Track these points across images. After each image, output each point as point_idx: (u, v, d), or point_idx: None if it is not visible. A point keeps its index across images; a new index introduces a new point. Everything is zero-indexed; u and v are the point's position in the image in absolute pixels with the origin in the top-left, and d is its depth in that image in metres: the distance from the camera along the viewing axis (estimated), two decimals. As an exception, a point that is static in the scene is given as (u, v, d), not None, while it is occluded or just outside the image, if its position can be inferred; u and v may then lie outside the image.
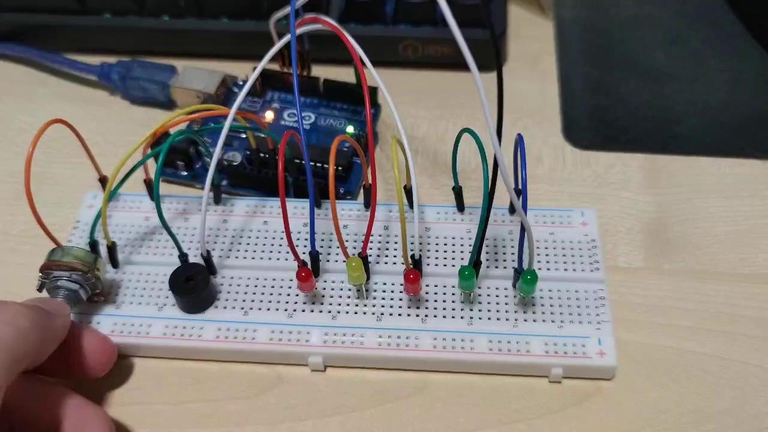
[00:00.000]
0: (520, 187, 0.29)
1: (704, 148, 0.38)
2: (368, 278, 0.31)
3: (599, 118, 0.39)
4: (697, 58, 0.42)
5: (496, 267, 0.32)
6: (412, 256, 0.30)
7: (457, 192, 0.33)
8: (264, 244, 0.33)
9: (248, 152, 0.36)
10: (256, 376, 0.31)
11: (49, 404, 0.26)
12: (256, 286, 0.32)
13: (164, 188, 0.37)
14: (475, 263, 0.29)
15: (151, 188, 0.34)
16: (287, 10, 0.31)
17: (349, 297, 0.31)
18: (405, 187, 0.33)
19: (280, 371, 0.31)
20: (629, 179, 0.36)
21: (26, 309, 0.26)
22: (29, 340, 0.25)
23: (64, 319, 0.28)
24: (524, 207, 0.27)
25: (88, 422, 0.27)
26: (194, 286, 0.31)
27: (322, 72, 0.39)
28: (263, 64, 0.31)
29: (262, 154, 0.35)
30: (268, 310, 0.31)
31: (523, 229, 0.28)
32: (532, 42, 0.43)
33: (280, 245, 0.33)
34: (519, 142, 0.28)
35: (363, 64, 0.30)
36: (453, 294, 0.31)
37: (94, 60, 0.42)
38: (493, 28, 0.24)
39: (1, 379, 0.23)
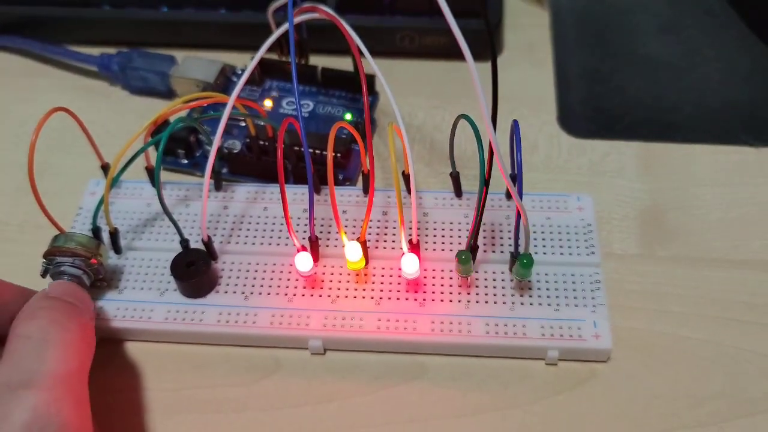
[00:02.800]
0: (516, 172, 0.29)
1: (699, 136, 0.38)
2: (367, 263, 0.32)
3: (595, 107, 0.40)
4: (691, 47, 0.42)
5: (494, 251, 0.32)
6: (410, 241, 0.31)
7: (455, 177, 0.34)
8: (264, 230, 0.33)
9: (248, 140, 0.36)
10: (255, 361, 0.31)
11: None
12: (256, 271, 0.32)
13: (166, 176, 0.37)
14: (472, 247, 0.30)
15: (152, 175, 0.35)
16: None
17: (348, 281, 0.31)
18: (403, 172, 0.33)
19: (279, 356, 0.31)
20: (624, 167, 0.37)
21: (89, 324, 0.28)
22: (92, 354, 0.27)
23: (93, 313, 0.29)
24: (519, 192, 0.27)
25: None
26: (195, 271, 0.31)
27: (321, 62, 0.40)
28: (261, 52, 0.31)
29: (261, 142, 0.36)
30: (269, 294, 0.31)
31: (518, 214, 0.28)
32: (529, 31, 0.44)
33: (281, 230, 0.33)
34: (514, 128, 0.28)
35: (360, 51, 0.30)
36: (451, 278, 0.31)
37: (94, 51, 0.42)
38: (488, 19, 0.24)
39: (87, 396, 0.26)
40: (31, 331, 0.25)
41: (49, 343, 0.25)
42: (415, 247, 0.30)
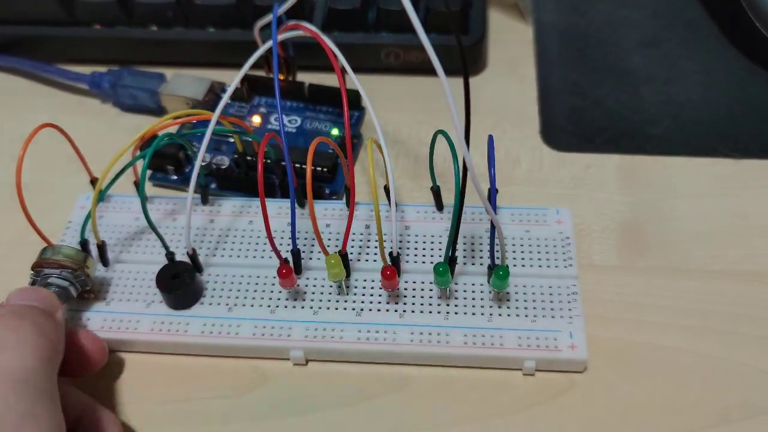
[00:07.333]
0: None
1: (678, 148, 0.38)
2: (348, 275, 0.32)
3: (576, 120, 0.40)
4: (671, 60, 0.43)
5: (473, 264, 0.33)
6: (390, 254, 0.31)
7: (436, 191, 0.34)
8: (249, 243, 0.34)
9: (236, 156, 0.37)
10: (241, 372, 0.31)
11: (67, 404, 0.27)
12: (240, 283, 0.33)
13: (156, 191, 0.38)
14: (451, 260, 0.30)
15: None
16: (270, 17, 0.33)
17: (330, 293, 0.32)
18: (385, 187, 0.34)
19: (264, 369, 0.31)
20: (605, 180, 0.37)
21: (48, 320, 0.27)
22: (58, 348, 0.27)
23: (62, 314, 0.29)
24: (494, 206, 0.28)
25: (101, 423, 0.28)
26: (180, 283, 0.31)
27: (310, 78, 0.40)
28: (245, 69, 0.32)
29: (248, 158, 0.36)
30: (252, 306, 0.32)
31: (493, 227, 0.29)
32: (512, 47, 0.44)
33: (264, 243, 0.34)
34: (489, 143, 0.29)
35: (342, 66, 0.31)
36: (430, 290, 0.32)
37: (85, 69, 0.43)
38: (459, 36, 0.25)
39: (54, 390, 0.25)
40: None
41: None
42: (395, 260, 0.31)
